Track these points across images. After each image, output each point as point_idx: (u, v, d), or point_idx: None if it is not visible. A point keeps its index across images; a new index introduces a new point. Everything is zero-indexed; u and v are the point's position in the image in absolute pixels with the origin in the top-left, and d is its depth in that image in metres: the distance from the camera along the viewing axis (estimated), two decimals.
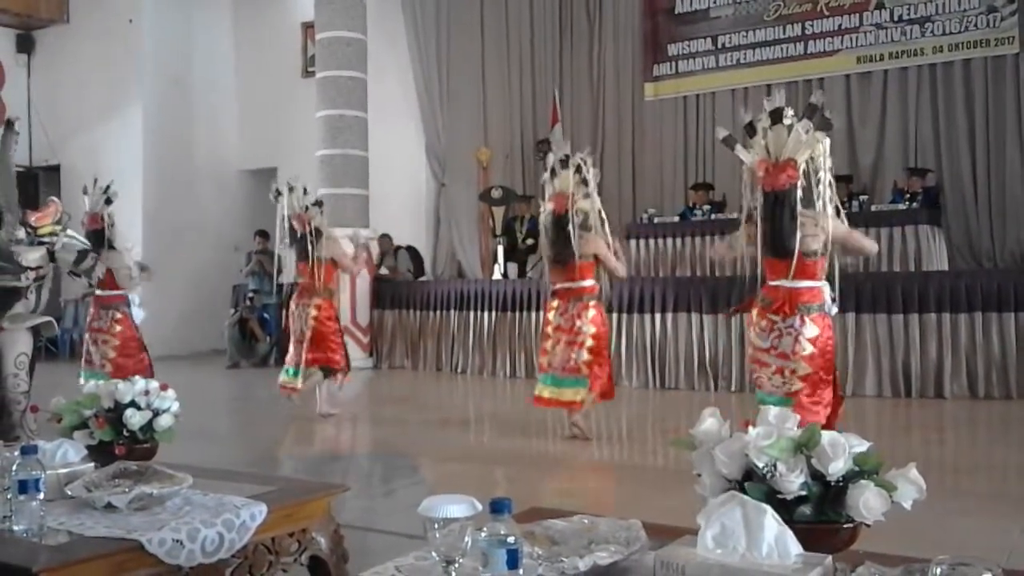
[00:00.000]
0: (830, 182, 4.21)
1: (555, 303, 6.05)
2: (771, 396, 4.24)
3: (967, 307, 7.43)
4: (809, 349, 4.27)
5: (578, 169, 5.83)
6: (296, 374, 6.94)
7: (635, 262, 10.00)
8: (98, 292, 6.60)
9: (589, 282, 5.95)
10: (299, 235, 6.95)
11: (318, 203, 7.11)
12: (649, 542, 1.68)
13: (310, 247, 6.88)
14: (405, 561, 1.68)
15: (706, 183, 11.08)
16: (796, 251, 4.20)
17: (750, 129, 4.27)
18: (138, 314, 6.72)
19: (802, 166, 4.14)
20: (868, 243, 4.68)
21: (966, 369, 7.43)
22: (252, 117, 13.70)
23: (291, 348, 7.09)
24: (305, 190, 7.07)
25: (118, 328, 6.64)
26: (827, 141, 4.18)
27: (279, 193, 7.02)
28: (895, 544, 1.76)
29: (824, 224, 4.21)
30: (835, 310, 4.42)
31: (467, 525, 1.45)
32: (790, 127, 4.12)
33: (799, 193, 4.16)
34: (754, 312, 4.41)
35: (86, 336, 6.80)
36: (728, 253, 4.86)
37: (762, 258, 4.36)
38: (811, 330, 4.27)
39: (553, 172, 5.95)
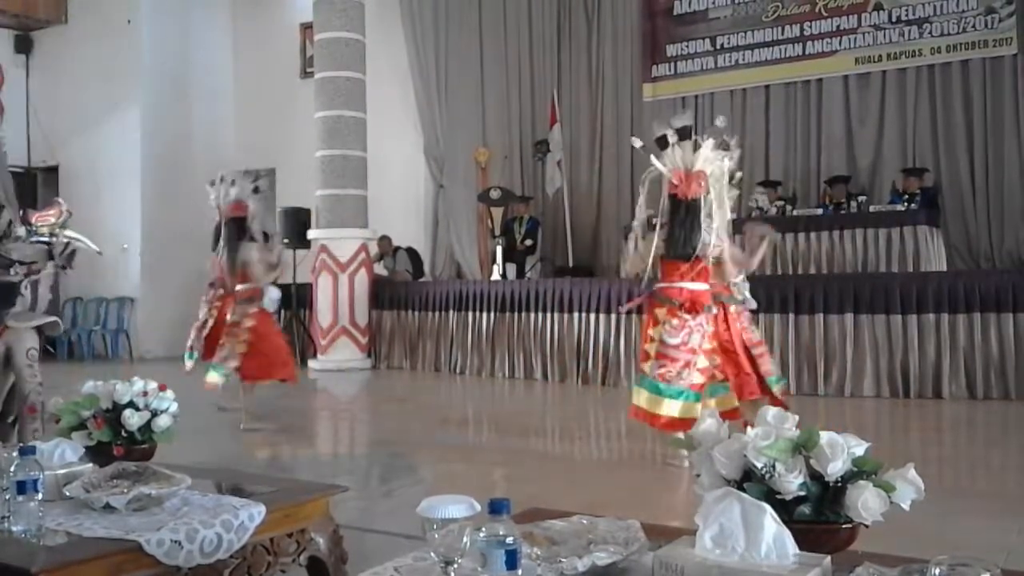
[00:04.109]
0: (730, 196, 4.81)
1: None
2: (671, 387, 4.63)
3: (965, 308, 7.44)
4: (709, 344, 4.73)
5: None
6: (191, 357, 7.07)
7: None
8: None
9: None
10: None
11: (256, 190, 6.60)
12: (648, 542, 1.68)
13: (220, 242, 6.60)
14: (404, 562, 1.68)
15: None
16: (705, 255, 4.69)
17: (662, 142, 4.71)
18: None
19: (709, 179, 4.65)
20: (734, 268, 5.00)
21: (964, 369, 7.44)
22: (250, 118, 13.68)
23: (194, 333, 7.17)
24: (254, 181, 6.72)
25: None
26: (727, 161, 4.69)
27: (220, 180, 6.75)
28: (893, 544, 1.76)
29: (722, 234, 4.73)
30: (715, 310, 4.84)
31: (466, 525, 1.45)
32: (695, 143, 4.63)
33: (703, 203, 4.66)
34: (660, 311, 4.76)
35: None
36: (640, 264, 4.98)
37: (662, 261, 4.81)
38: (710, 328, 4.75)
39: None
